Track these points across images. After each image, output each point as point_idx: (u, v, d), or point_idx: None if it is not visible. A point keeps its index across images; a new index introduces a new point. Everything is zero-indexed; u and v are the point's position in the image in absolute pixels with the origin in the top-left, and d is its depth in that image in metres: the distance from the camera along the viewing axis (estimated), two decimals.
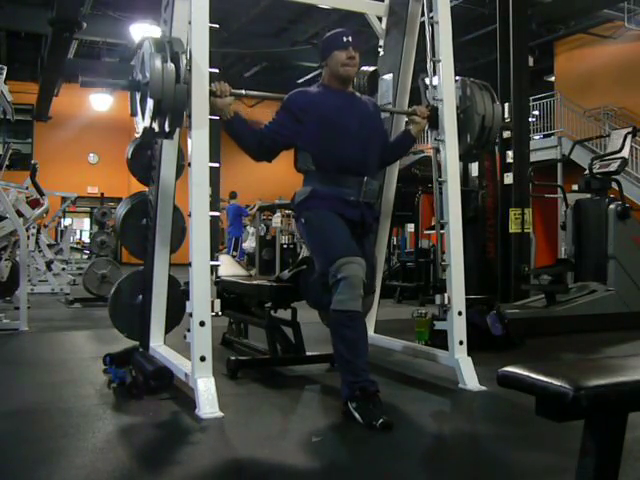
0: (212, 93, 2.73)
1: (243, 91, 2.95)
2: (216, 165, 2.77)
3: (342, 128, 2.85)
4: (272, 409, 2.78)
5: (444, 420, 2.79)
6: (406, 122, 3.38)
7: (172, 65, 2.56)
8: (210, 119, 2.72)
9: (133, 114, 2.80)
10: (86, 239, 17.12)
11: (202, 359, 2.61)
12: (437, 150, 3.30)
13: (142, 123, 2.70)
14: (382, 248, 3.97)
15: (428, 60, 3.31)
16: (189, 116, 2.66)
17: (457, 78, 3.36)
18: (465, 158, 3.41)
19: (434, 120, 3.25)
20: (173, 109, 2.58)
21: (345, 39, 2.87)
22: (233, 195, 13.22)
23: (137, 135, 2.87)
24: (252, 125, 2.90)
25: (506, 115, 6.26)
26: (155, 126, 2.62)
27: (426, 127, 3.26)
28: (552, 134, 13.56)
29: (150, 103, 2.56)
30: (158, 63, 2.54)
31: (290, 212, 12.72)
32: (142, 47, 2.71)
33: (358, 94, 3.05)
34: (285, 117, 2.88)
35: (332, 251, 2.69)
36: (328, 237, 2.77)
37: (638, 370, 1.08)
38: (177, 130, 3.15)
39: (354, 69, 2.92)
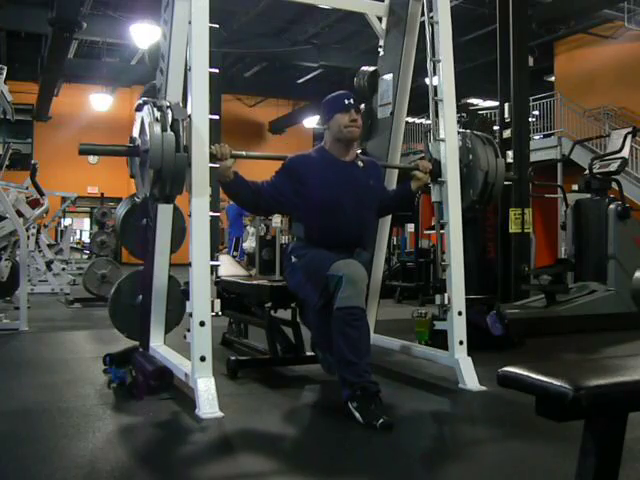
0: (212, 157, 2.72)
1: (244, 152, 2.95)
2: (216, 166, 2.77)
3: (339, 209, 2.88)
4: (272, 409, 2.78)
5: (444, 420, 2.79)
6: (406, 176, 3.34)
7: (172, 134, 2.53)
8: (210, 119, 2.72)
9: (132, 177, 2.81)
10: (86, 239, 17.12)
11: (202, 359, 2.61)
12: (439, 203, 3.27)
13: (142, 188, 2.70)
14: (382, 248, 3.97)
15: (428, 60, 3.31)
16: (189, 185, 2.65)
17: (460, 131, 3.36)
18: (468, 212, 3.40)
19: (436, 174, 3.23)
20: (173, 177, 2.56)
21: (347, 101, 2.90)
22: None
23: (137, 200, 2.88)
24: (250, 185, 2.90)
25: (506, 115, 6.27)
26: (156, 192, 2.61)
27: (428, 181, 3.23)
28: (552, 134, 13.55)
29: (150, 171, 2.55)
30: (158, 132, 2.51)
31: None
32: (142, 110, 2.68)
33: (360, 162, 3.03)
34: (284, 185, 2.90)
35: (327, 262, 2.72)
36: (321, 257, 2.81)
37: (638, 370, 1.08)
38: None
39: (358, 130, 2.93)
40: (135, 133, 2.73)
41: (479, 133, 3.43)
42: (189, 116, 2.66)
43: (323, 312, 2.73)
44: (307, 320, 3.16)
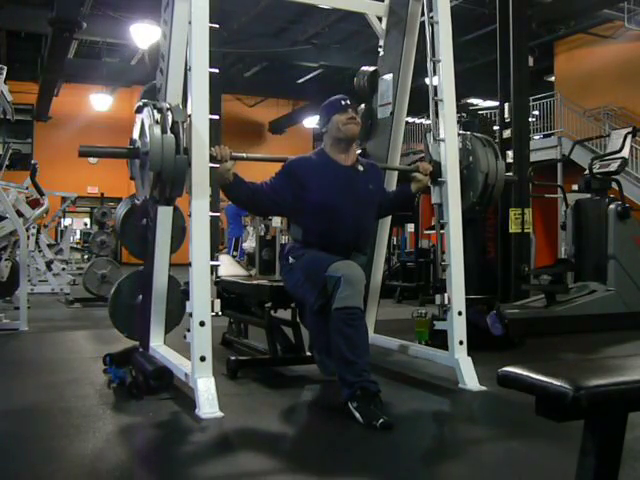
0: (212, 158, 2.71)
1: (244, 154, 2.94)
2: (216, 166, 2.77)
3: (337, 213, 2.88)
4: (272, 409, 2.78)
5: (444, 420, 2.79)
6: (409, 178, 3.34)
7: (172, 136, 2.52)
8: (210, 119, 2.72)
9: (132, 178, 2.81)
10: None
11: (202, 359, 2.61)
12: (439, 205, 3.27)
13: (142, 191, 2.69)
14: (382, 248, 3.97)
15: (428, 60, 3.31)
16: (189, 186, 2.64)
17: (460, 132, 3.37)
18: (468, 214, 3.40)
19: (436, 176, 3.23)
20: (173, 180, 2.56)
21: (343, 102, 2.93)
22: None
23: (137, 202, 2.87)
24: (250, 186, 2.89)
25: (506, 115, 6.26)
26: (156, 195, 2.61)
27: (429, 183, 3.23)
28: (552, 134, 13.55)
29: (150, 173, 2.55)
30: (158, 134, 2.51)
31: None
32: (142, 112, 2.67)
33: (360, 165, 3.02)
34: (284, 187, 2.90)
35: (325, 263, 2.73)
36: (319, 258, 2.82)
37: (638, 370, 1.08)
38: None
39: (356, 127, 2.93)
40: (135, 135, 2.72)
41: (479, 135, 3.44)
42: (189, 116, 2.66)
43: (320, 314, 2.74)
44: (306, 322, 3.16)
